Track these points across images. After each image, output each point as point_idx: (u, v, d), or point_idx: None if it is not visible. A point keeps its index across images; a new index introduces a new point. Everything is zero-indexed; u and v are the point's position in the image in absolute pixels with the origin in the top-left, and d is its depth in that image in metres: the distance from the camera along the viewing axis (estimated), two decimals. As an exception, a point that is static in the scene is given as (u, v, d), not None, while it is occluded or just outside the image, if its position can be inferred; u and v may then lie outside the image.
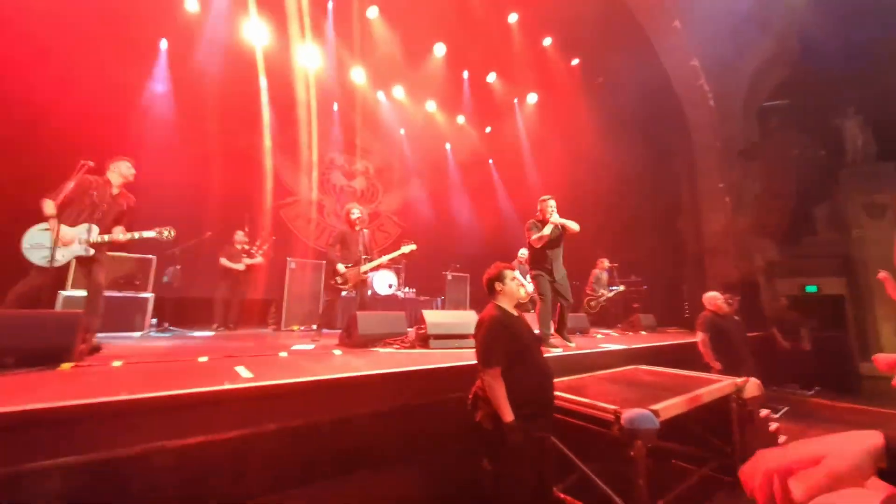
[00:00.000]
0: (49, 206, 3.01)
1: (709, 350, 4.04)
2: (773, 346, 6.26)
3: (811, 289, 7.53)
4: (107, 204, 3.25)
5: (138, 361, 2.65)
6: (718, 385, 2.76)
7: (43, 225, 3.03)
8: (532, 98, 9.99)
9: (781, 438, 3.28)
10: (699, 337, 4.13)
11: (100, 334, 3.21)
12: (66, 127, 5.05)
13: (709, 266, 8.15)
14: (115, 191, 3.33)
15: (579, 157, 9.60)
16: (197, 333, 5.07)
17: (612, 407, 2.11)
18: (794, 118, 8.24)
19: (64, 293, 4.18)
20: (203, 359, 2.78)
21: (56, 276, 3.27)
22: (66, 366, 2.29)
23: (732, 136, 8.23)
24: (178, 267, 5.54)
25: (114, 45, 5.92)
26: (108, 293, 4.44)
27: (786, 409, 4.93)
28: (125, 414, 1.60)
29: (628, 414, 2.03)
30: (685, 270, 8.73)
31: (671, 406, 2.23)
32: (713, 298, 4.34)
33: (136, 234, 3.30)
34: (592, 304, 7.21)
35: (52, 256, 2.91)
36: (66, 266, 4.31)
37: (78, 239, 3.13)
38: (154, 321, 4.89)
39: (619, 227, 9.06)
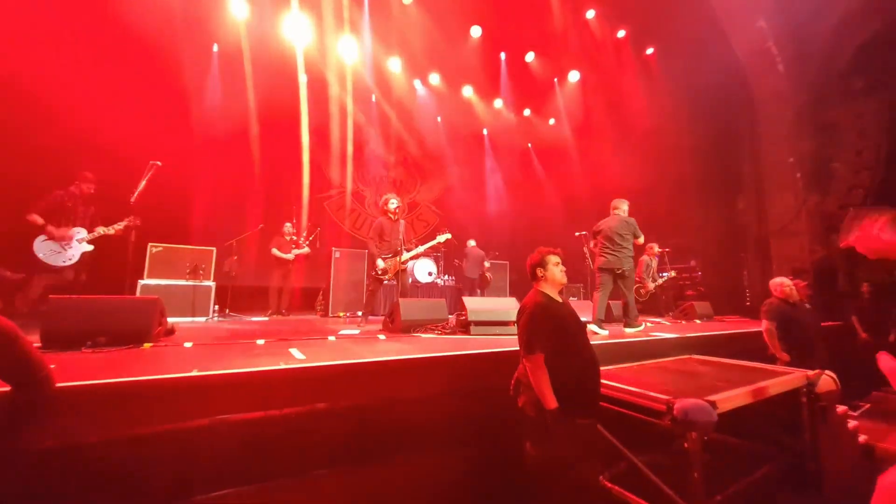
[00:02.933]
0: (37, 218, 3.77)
1: (775, 340, 3.69)
2: (852, 337, 5.62)
3: (902, 274, 6.61)
4: (81, 209, 4.10)
5: (205, 343, 2.91)
6: (787, 377, 2.53)
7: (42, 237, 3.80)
8: (574, 76, 9.49)
9: (862, 438, 2.96)
10: (764, 326, 3.77)
11: (171, 318, 3.55)
12: (128, 133, 5.51)
13: (775, 250, 7.42)
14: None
15: (626, 136, 9.04)
16: (254, 319, 5.47)
17: (664, 397, 2.01)
18: (885, 80, 7.14)
19: (142, 281, 4.66)
20: (260, 342, 3.00)
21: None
22: (147, 345, 2.57)
23: (806, 104, 7.33)
24: (236, 257, 5.98)
25: (169, 52, 6.33)
26: (177, 282, 4.93)
27: (867, 406, 4.43)
28: (196, 389, 1.77)
29: (682, 405, 1.92)
30: (747, 255, 8.02)
31: (731, 397, 2.08)
32: (781, 284, 3.94)
33: (102, 230, 4.09)
34: (642, 291, 6.88)
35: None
36: (143, 257, 4.82)
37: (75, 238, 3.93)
38: (216, 307, 5.33)
39: (672, 208, 8.47)
